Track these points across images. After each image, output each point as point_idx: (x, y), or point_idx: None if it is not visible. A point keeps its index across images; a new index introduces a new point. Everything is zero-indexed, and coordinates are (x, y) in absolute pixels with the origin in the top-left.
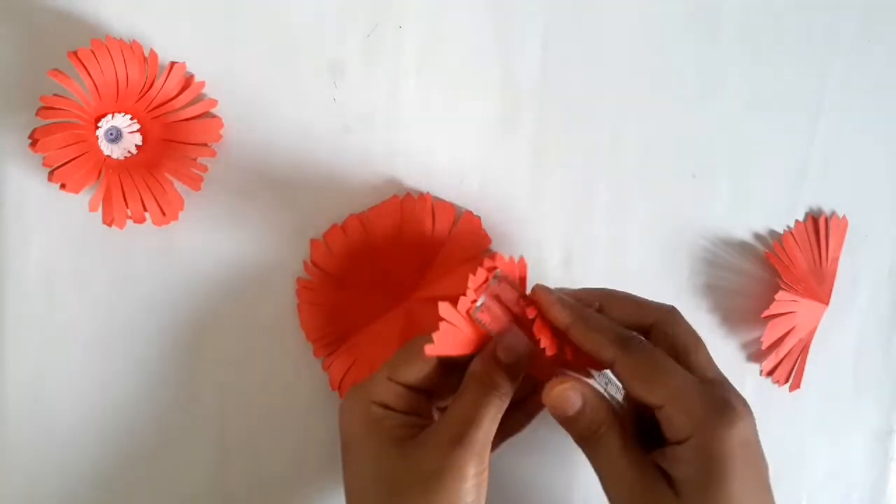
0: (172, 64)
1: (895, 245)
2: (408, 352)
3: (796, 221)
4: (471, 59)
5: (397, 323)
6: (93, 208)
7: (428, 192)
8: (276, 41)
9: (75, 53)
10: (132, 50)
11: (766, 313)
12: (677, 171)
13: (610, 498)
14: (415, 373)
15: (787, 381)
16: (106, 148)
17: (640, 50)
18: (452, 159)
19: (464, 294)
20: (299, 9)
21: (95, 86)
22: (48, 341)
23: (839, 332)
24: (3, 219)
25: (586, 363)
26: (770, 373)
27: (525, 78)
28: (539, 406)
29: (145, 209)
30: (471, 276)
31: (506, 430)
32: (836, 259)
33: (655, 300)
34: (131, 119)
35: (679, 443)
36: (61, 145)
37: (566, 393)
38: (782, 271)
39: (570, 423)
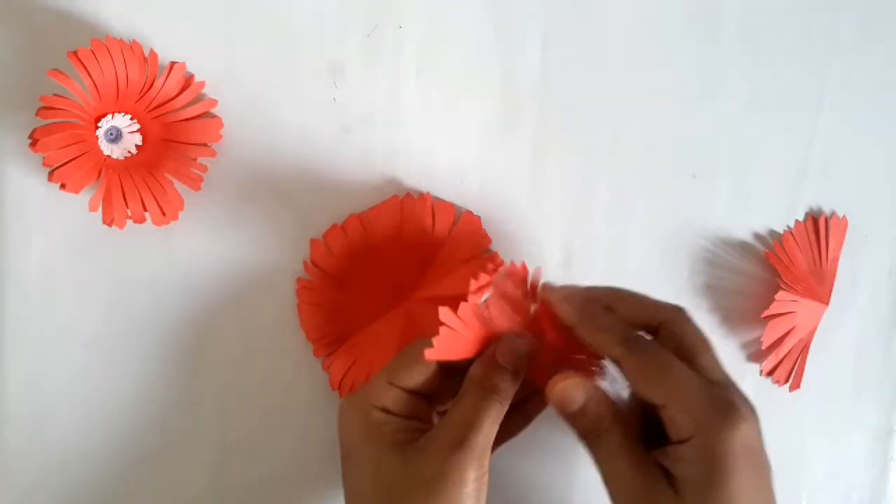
0: (172, 64)
1: (895, 245)
2: (408, 356)
3: (796, 221)
4: (471, 59)
5: (397, 323)
6: (93, 208)
7: (428, 192)
8: (276, 41)
9: (75, 53)
10: (132, 50)
11: (766, 313)
12: (677, 171)
13: (611, 495)
14: (415, 377)
15: (787, 381)
16: (106, 148)
17: (640, 50)
18: (452, 159)
19: (465, 293)
20: (299, 9)
21: (95, 86)
22: (48, 341)
23: (839, 332)
24: (3, 219)
25: (587, 363)
26: (770, 373)
27: (525, 78)
28: (537, 409)
29: (145, 209)
30: (480, 273)
31: (504, 433)
32: (836, 259)
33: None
34: (131, 119)
35: (681, 442)
36: (61, 145)
37: (569, 389)
38: (782, 271)
39: (573, 420)
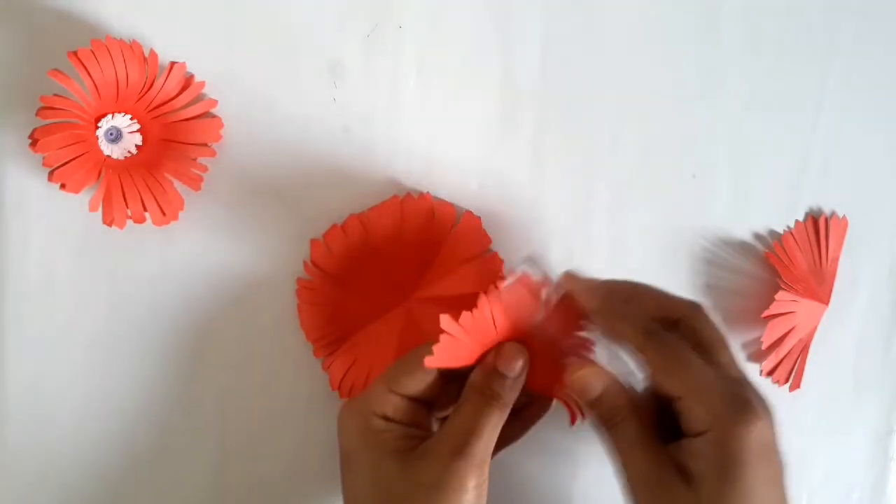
0: (172, 64)
1: (895, 245)
2: (408, 363)
3: (796, 221)
4: (471, 59)
5: (397, 323)
6: (93, 208)
7: (428, 192)
8: (276, 41)
9: (75, 53)
10: (132, 50)
11: (766, 313)
12: (677, 171)
13: (624, 486)
14: (415, 384)
15: (787, 381)
16: (106, 148)
17: (639, 50)
18: (452, 159)
19: (464, 293)
20: (299, 9)
21: (95, 86)
22: (48, 341)
23: (839, 332)
24: (3, 219)
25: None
26: (770, 373)
27: (525, 78)
28: (536, 416)
29: (145, 209)
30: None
31: (503, 440)
32: (836, 259)
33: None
34: (131, 119)
35: (696, 436)
36: (61, 145)
37: (588, 377)
38: (782, 271)
39: (591, 408)
